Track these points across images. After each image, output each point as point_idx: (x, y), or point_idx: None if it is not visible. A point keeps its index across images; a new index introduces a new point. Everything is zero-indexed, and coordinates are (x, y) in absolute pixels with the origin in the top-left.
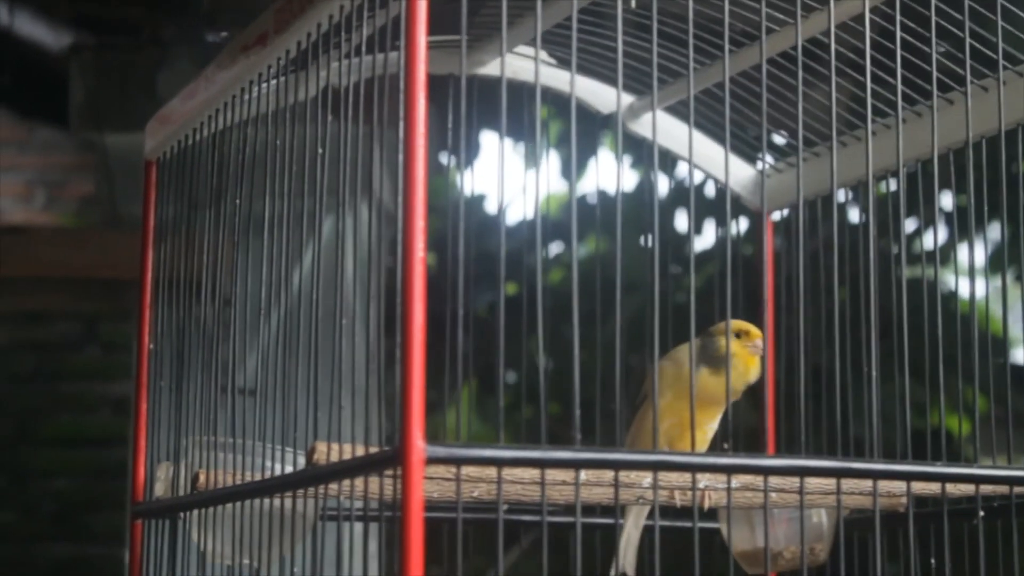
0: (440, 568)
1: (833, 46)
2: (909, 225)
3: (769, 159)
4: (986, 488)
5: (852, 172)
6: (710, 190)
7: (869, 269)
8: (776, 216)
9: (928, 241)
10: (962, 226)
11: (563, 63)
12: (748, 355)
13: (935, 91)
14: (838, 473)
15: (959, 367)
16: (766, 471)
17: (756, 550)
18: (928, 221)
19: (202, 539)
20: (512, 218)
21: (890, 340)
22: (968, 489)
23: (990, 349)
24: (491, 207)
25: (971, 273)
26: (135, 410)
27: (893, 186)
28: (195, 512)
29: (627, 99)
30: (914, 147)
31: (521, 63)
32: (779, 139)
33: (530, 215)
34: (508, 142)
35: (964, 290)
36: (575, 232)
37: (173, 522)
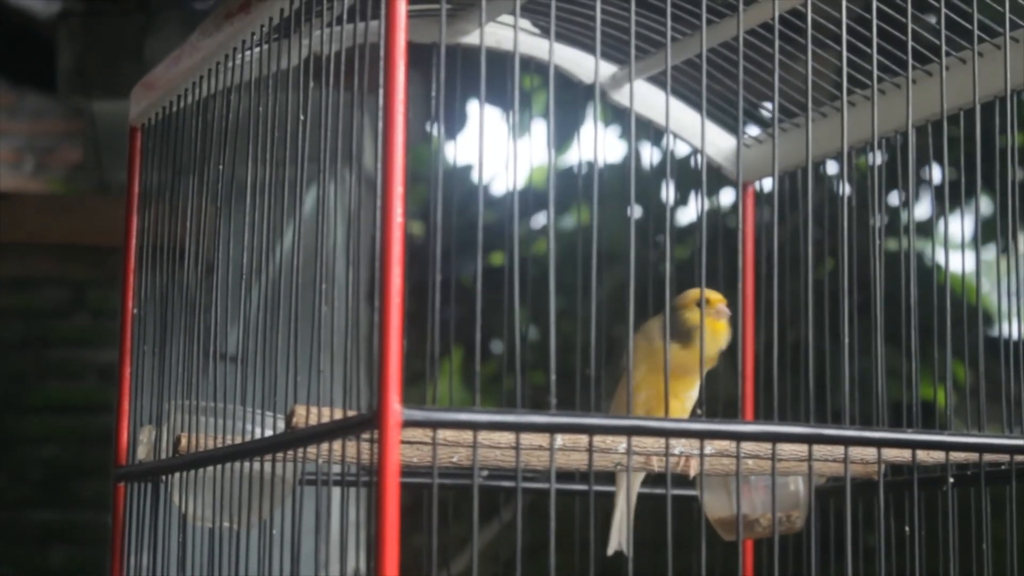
0: (425, 537)
1: (810, 16)
2: (893, 199)
3: (754, 130)
4: (959, 456)
5: (836, 143)
6: (696, 162)
7: (848, 240)
8: (766, 187)
9: (909, 213)
10: (950, 199)
11: (546, 32)
12: (713, 321)
13: (910, 62)
14: (810, 439)
15: (935, 337)
16: (739, 436)
17: (733, 517)
18: (906, 193)
19: (183, 502)
20: (498, 189)
21: (873, 311)
22: (941, 457)
23: (965, 320)
24: (478, 177)
25: (945, 244)
26: (119, 374)
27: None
28: (176, 475)
29: (610, 69)
30: (894, 119)
31: (505, 32)
32: (765, 111)
33: (515, 186)
34: (496, 112)
35: (952, 264)
36: (552, 203)
37: (155, 485)
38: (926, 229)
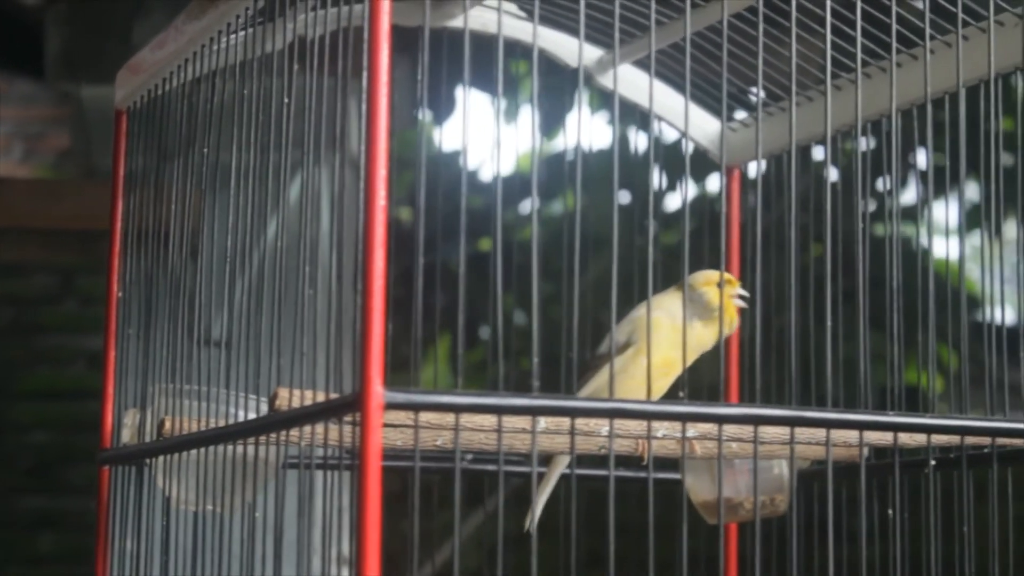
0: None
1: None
2: (881, 184)
3: (741, 114)
4: (942, 439)
5: (822, 127)
6: (684, 146)
7: (832, 225)
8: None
9: (894, 198)
10: (936, 184)
11: (532, 16)
12: (731, 305)
13: (894, 45)
14: (791, 422)
15: (919, 321)
16: (721, 419)
17: (715, 500)
18: (891, 178)
19: (167, 485)
20: (486, 175)
21: (858, 296)
22: (923, 440)
23: (950, 304)
24: (471, 162)
25: (929, 228)
26: (104, 358)
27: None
28: (160, 459)
29: (596, 53)
30: (879, 102)
31: (492, 16)
32: (751, 95)
33: (504, 171)
34: (485, 98)
35: (939, 249)
36: (535, 189)
37: (139, 468)
38: (913, 214)
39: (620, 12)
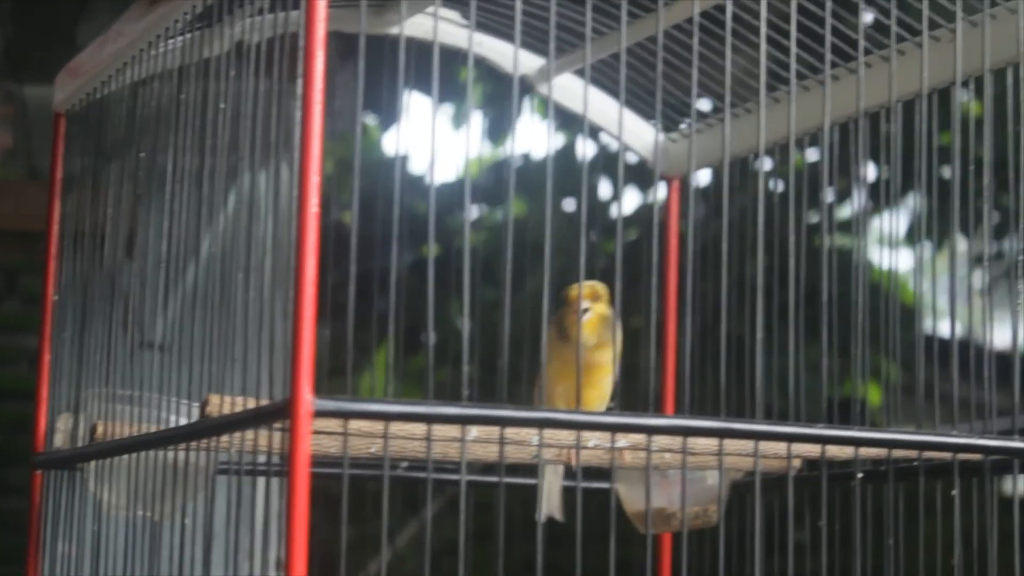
0: (355, 528)
1: (730, 11)
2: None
3: (684, 125)
4: (871, 452)
5: (767, 136)
6: (632, 157)
7: (769, 235)
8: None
9: (844, 211)
10: (878, 197)
11: (479, 25)
12: (573, 321)
13: (829, 59)
14: (720, 433)
15: (853, 332)
16: (650, 430)
17: (651, 510)
18: (827, 191)
19: (99, 490)
20: (436, 179)
21: (804, 308)
22: (851, 452)
23: (883, 315)
24: (416, 167)
25: (872, 237)
26: (38, 361)
27: (812, 155)
28: (92, 463)
29: (537, 61)
30: (816, 115)
31: (432, 23)
32: (687, 106)
33: (449, 177)
34: (430, 104)
35: (877, 261)
36: (467, 199)
37: (72, 473)
38: (850, 227)
39: (560, 21)
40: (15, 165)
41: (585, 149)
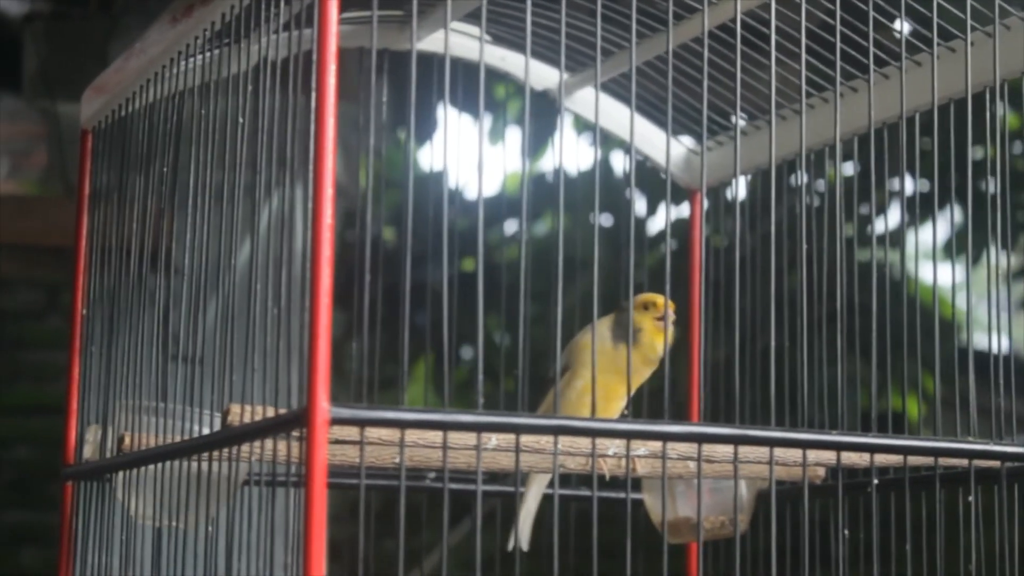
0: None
1: (739, 29)
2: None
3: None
4: (884, 459)
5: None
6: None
7: (810, 247)
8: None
9: (872, 222)
10: (921, 209)
11: (500, 40)
12: (655, 329)
13: (838, 75)
14: (735, 440)
15: (885, 344)
16: (665, 437)
17: (675, 520)
18: (830, 198)
19: (127, 500)
20: (471, 194)
21: (837, 320)
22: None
23: (914, 327)
24: (450, 182)
25: (895, 245)
26: (68, 374)
27: (846, 169)
28: (120, 474)
29: (566, 76)
30: (819, 132)
31: (462, 40)
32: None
33: (488, 192)
34: (468, 119)
35: (920, 275)
36: (482, 212)
37: (101, 484)
38: (896, 240)
39: (584, 37)
40: (52, 182)
41: (595, 161)
